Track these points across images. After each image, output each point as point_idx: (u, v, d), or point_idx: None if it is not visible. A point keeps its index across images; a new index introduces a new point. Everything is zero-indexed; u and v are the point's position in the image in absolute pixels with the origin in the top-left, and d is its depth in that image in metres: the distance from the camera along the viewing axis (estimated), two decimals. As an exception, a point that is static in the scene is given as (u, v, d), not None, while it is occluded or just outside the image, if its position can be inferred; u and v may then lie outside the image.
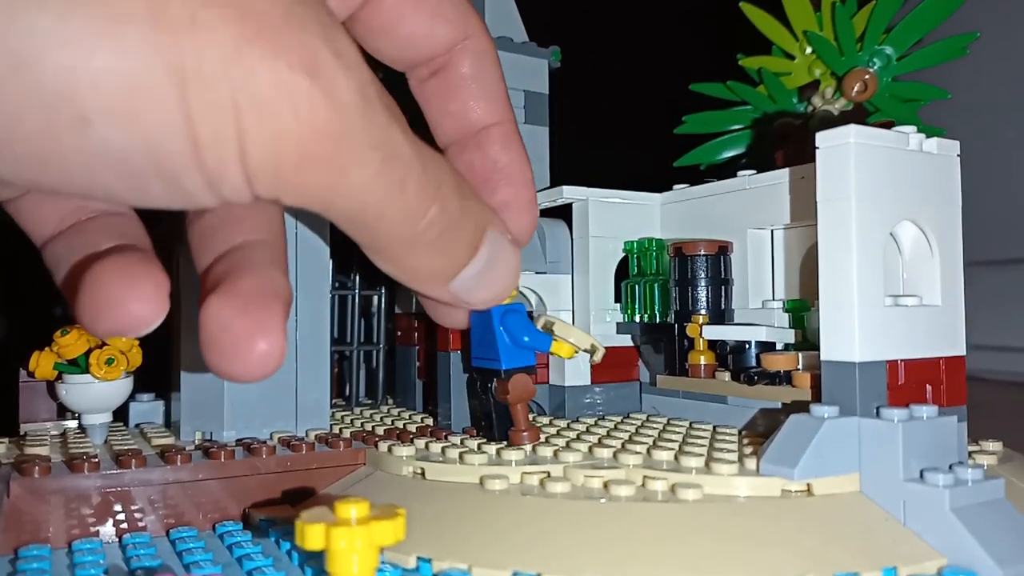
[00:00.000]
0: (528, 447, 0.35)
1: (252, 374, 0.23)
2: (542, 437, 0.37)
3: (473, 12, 0.30)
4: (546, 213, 0.47)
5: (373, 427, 0.42)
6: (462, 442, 0.37)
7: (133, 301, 0.22)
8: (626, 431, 0.39)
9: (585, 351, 0.38)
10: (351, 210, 0.22)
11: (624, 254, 0.49)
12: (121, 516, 0.33)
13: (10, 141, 0.18)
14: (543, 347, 0.37)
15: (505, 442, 0.36)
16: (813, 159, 0.33)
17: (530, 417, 0.44)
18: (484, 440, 0.37)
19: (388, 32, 0.28)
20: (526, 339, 0.36)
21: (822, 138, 0.32)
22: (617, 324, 0.47)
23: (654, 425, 0.41)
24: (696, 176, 0.53)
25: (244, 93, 0.18)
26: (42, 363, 0.40)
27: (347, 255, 0.52)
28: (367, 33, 0.27)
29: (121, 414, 0.44)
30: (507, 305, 0.35)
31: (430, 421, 0.44)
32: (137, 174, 0.19)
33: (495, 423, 0.37)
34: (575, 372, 0.46)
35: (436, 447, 0.36)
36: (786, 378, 0.38)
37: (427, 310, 0.34)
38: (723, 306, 0.44)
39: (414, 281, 0.27)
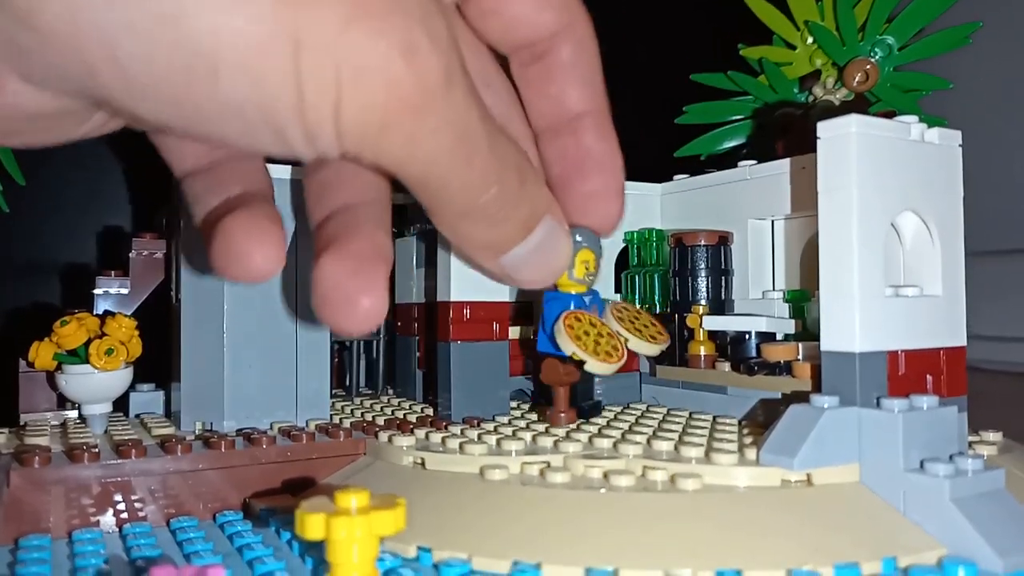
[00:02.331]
0: (563, 430, 0.37)
1: (358, 327, 0.26)
2: (541, 428, 0.37)
3: (578, 3, 0.31)
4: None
5: (373, 417, 0.42)
6: (462, 432, 0.37)
7: (257, 254, 0.26)
8: (626, 421, 0.39)
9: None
10: (420, 175, 0.25)
11: (624, 244, 0.49)
12: (121, 506, 0.33)
13: (154, 86, 0.21)
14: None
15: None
16: (814, 149, 0.32)
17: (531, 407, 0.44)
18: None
19: (496, 14, 0.30)
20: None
21: (823, 128, 0.32)
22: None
23: (654, 415, 0.41)
24: (697, 166, 0.53)
25: (347, 64, 0.21)
26: (42, 353, 0.40)
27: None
28: (478, 15, 0.29)
29: (121, 404, 0.44)
30: (555, 292, 0.36)
31: (430, 411, 0.44)
32: (251, 123, 0.23)
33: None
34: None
35: (436, 437, 0.36)
36: (786, 368, 0.38)
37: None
38: (723, 296, 0.44)
39: (466, 247, 0.30)
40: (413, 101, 0.23)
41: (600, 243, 0.33)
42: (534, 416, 0.41)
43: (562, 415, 0.38)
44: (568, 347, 0.35)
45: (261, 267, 0.26)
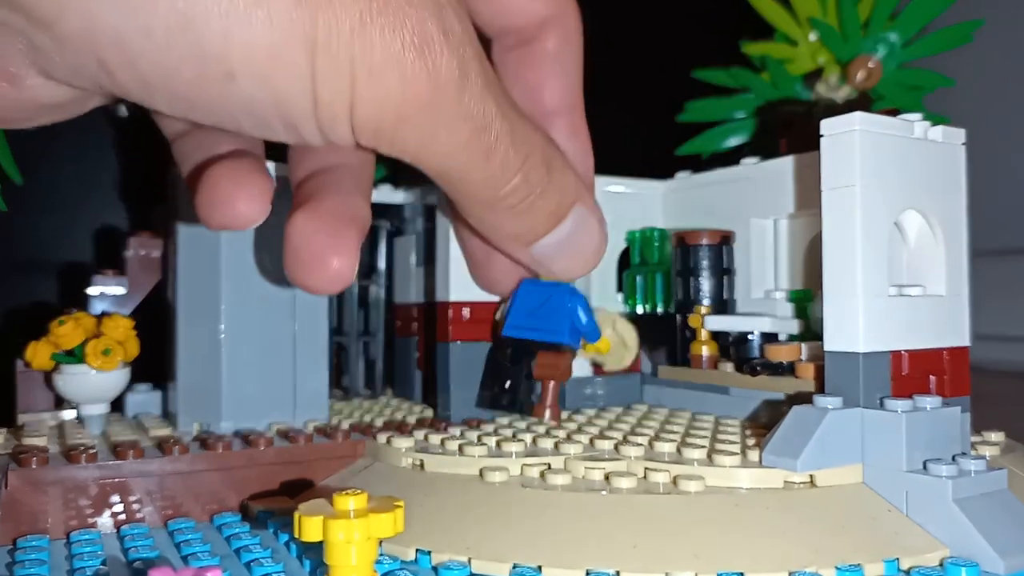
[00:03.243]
0: (547, 424, 0.37)
1: (326, 287, 0.26)
2: (542, 430, 0.37)
3: None
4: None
5: (372, 418, 0.42)
6: (462, 434, 0.36)
7: (240, 200, 0.26)
8: (627, 422, 0.39)
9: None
10: (438, 167, 0.26)
11: (626, 244, 0.48)
12: (119, 507, 0.32)
13: (168, 84, 0.22)
14: (594, 337, 0.38)
15: (520, 413, 0.37)
16: (817, 147, 0.32)
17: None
18: (502, 409, 0.37)
19: None
20: (585, 322, 0.37)
21: (826, 126, 0.32)
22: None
23: (656, 416, 0.41)
24: (699, 164, 0.53)
25: (361, 62, 0.22)
26: (39, 353, 0.40)
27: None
28: None
29: (118, 404, 0.44)
30: (571, 286, 0.36)
31: (429, 412, 0.44)
32: (264, 118, 0.23)
33: (519, 394, 0.37)
34: (576, 364, 0.46)
35: (435, 439, 0.35)
36: (789, 369, 0.37)
37: (476, 274, 0.36)
38: (726, 296, 0.44)
39: (494, 238, 0.30)
40: (427, 97, 0.23)
41: None
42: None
43: (548, 409, 0.38)
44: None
45: (244, 213, 0.26)
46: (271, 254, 0.40)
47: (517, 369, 0.37)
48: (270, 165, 0.40)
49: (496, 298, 0.41)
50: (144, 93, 0.23)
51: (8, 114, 0.25)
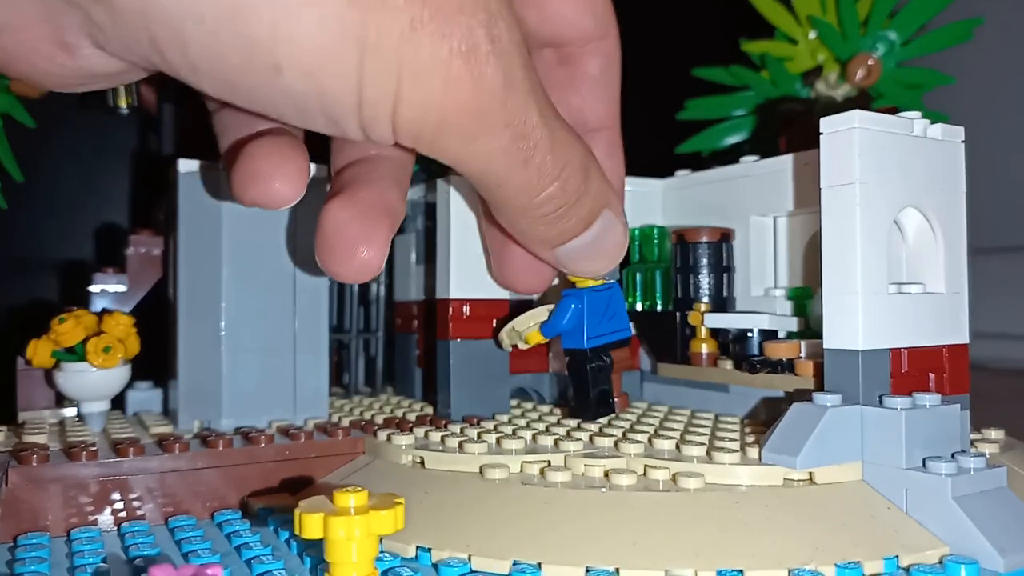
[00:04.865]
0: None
1: (354, 276, 0.27)
2: (542, 427, 0.37)
3: (615, 17, 0.32)
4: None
5: (372, 416, 0.42)
6: (462, 431, 0.36)
7: (276, 179, 0.26)
8: (627, 420, 0.39)
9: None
10: (476, 171, 0.26)
11: (625, 241, 0.48)
12: (119, 505, 0.32)
13: (216, 70, 0.22)
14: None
15: (611, 415, 0.38)
16: (817, 145, 0.32)
17: (531, 406, 0.44)
18: (601, 417, 0.38)
19: (539, 7, 0.30)
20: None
21: (826, 124, 0.32)
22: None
23: (655, 414, 0.41)
24: (699, 162, 0.53)
25: (408, 66, 0.22)
26: (40, 351, 0.40)
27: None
28: (519, 4, 0.29)
29: (119, 402, 0.44)
30: (570, 288, 0.37)
31: (429, 410, 0.44)
32: (307, 111, 0.23)
33: (604, 397, 0.38)
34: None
35: (436, 436, 0.35)
36: (788, 366, 0.37)
37: (504, 275, 0.36)
38: (725, 294, 0.44)
39: (522, 239, 0.30)
40: (470, 103, 0.23)
41: None
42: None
43: (616, 400, 0.39)
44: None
45: (280, 191, 0.27)
46: (273, 252, 0.40)
47: (605, 375, 0.38)
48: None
49: (497, 297, 0.41)
50: (192, 75, 0.23)
51: (61, 80, 0.25)
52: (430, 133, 0.24)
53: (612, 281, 0.37)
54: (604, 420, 0.38)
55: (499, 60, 0.23)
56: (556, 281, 0.37)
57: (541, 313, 0.38)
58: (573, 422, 0.38)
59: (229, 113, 0.30)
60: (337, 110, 0.23)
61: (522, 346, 0.39)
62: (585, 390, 0.37)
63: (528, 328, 0.38)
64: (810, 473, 0.29)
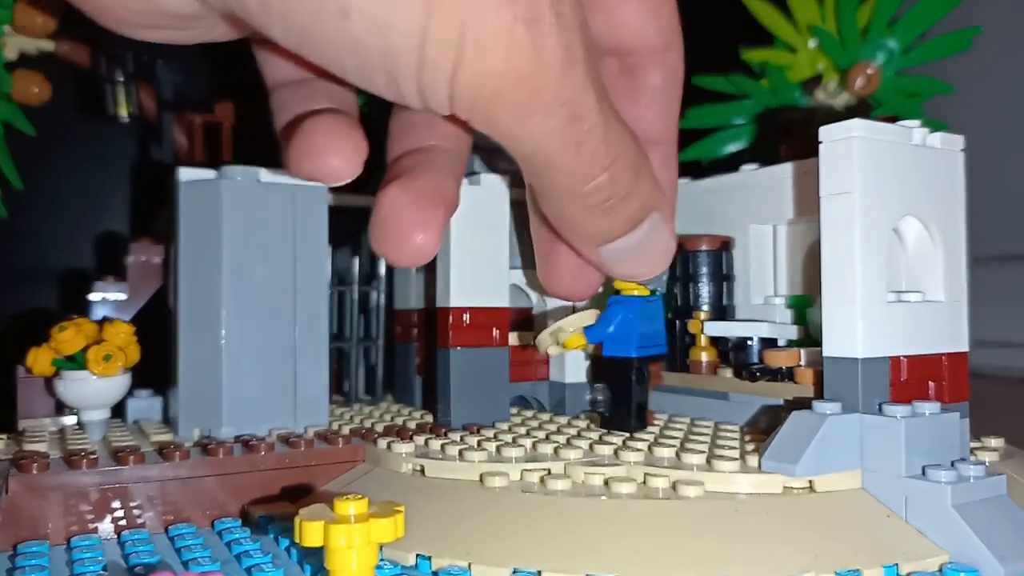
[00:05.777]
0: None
1: (406, 260, 0.27)
2: (542, 435, 0.37)
3: (680, 31, 0.32)
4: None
5: (372, 424, 0.42)
6: (462, 439, 0.36)
7: (333, 154, 0.26)
8: (627, 427, 0.39)
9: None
10: (526, 150, 0.25)
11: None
12: (120, 513, 0.32)
13: (288, 15, 0.23)
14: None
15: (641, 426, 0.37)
16: (816, 153, 0.32)
17: (531, 414, 0.44)
18: (632, 431, 0.37)
19: (606, 12, 0.30)
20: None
21: (826, 132, 0.32)
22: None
23: (655, 422, 0.41)
24: (699, 170, 0.53)
25: (472, 30, 0.22)
26: (40, 359, 0.40)
27: (346, 251, 0.52)
28: (589, 5, 0.29)
29: (119, 410, 0.44)
30: (619, 295, 0.36)
31: (430, 418, 0.44)
32: (368, 66, 0.23)
33: (641, 410, 0.37)
34: (575, 369, 0.46)
35: (436, 444, 0.35)
36: (788, 374, 0.37)
37: (550, 277, 0.34)
38: (725, 302, 0.44)
39: (567, 233, 0.30)
40: (528, 73, 0.23)
41: None
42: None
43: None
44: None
45: (336, 167, 0.27)
46: (274, 260, 0.40)
47: (645, 387, 0.37)
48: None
49: (497, 305, 0.41)
50: (263, 17, 0.23)
51: (132, 17, 0.25)
52: (485, 102, 0.23)
53: (659, 293, 0.37)
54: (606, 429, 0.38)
55: (561, 34, 0.23)
56: (600, 289, 0.37)
57: (588, 316, 0.37)
58: (573, 430, 0.38)
59: (288, 90, 0.30)
60: (398, 68, 0.23)
61: (554, 352, 0.39)
62: (627, 401, 0.37)
63: (573, 330, 0.38)
64: (810, 481, 0.29)
